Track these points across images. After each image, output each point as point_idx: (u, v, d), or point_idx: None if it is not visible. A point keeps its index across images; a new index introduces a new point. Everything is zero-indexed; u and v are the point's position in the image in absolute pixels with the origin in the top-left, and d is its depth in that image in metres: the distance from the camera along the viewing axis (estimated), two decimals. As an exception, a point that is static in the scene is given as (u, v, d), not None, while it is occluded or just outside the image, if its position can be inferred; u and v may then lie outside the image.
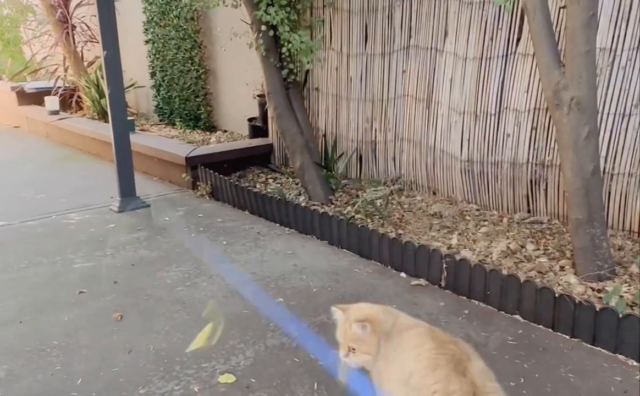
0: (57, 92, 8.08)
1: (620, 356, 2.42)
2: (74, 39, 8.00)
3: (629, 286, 2.80)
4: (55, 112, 7.79)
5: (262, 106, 5.58)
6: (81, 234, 4.02)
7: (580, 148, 2.82)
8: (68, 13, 7.90)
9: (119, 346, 2.56)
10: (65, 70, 8.31)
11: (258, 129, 5.82)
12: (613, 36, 3.26)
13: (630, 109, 3.28)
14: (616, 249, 3.22)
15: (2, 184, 5.45)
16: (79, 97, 8.15)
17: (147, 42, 7.10)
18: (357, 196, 4.37)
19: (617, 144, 3.36)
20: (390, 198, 4.34)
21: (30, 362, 2.44)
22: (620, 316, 2.42)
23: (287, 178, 5.08)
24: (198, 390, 2.23)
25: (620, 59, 3.26)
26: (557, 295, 2.63)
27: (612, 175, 3.40)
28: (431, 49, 4.21)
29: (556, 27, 3.35)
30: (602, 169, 3.33)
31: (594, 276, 2.87)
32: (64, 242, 3.87)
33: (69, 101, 8.18)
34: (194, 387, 2.25)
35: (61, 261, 3.55)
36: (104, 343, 2.60)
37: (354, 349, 1.82)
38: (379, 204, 4.09)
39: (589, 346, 2.51)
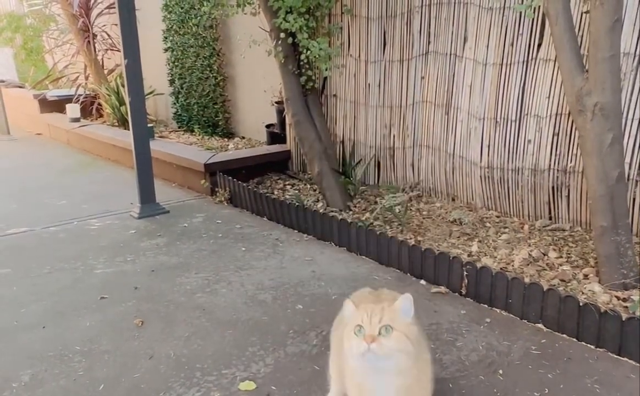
0: (78, 100, 8.20)
1: (648, 367, 2.37)
2: (94, 48, 8.12)
3: (656, 295, 2.74)
4: (76, 120, 7.91)
5: (280, 112, 5.60)
6: (102, 240, 4.06)
7: (605, 154, 2.77)
8: (89, 22, 8.03)
9: (140, 352, 2.58)
10: (86, 78, 8.44)
11: (276, 135, 5.84)
12: (638, 40, 3.21)
13: (656, 114, 3.22)
14: (641, 257, 3.16)
15: (24, 190, 5.54)
16: (99, 104, 8.26)
17: (166, 50, 7.18)
18: (376, 203, 4.35)
19: (642, 150, 3.29)
20: (409, 204, 4.31)
21: (54, 367, 2.47)
22: (648, 326, 2.37)
23: (305, 185, 5.08)
24: (219, 397, 2.23)
25: (645, 63, 3.21)
26: (581, 304, 2.58)
27: (637, 181, 3.33)
28: (450, 54, 4.19)
29: (578, 31, 3.30)
30: (626, 176, 3.28)
31: (619, 284, 2.81)
32: (85, 248, 3.91)
33: (89, 108, 8.30)
34: (214, 394, 2.25)
35: (82, 266, 3.59)
36: (125, 349, 2.61)
37: (389, 328, 1.45)
38: (397, 210, 4.06)
39: (615, 356, 2.46)
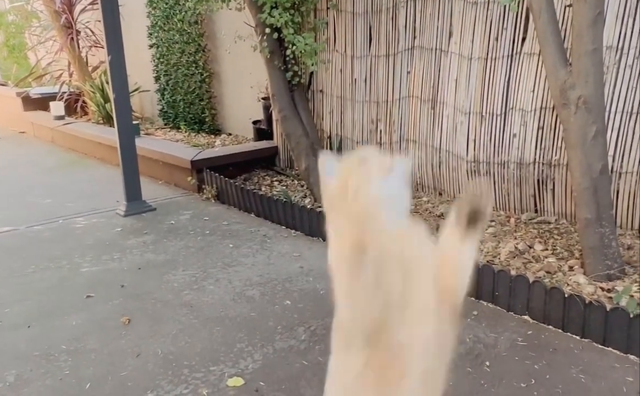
0: (62, 98, 8.10)
1: (632, 357, 2.40)
2: (78, 44, 8.02)
3: (639, 285, 2.78)
4: (61, 117, 7.82)
5: (267, 108, 5.58)
6: (88, 239, 4.02)
7: (588, 147, 2.80)
8: (72, 18, 7.92)
9: (127, 351, 2.56)
10: (70, 75, 8.33)
11: (263, 131, 5.82)
12: (620, 34, 3.24)
13: (638, 107, 3.26)
14: (625, 248, 3.19)
15: (8, 189, 5.47)
16: (84, 102, 8.17)
17: (151, 46, 7.12)
18: (363, 198, 4.35)
19: (625, 142, 3.33)
20: (396, 199, 4.32)
21: (39, 367, 2.44)
22: (631, 316, 2.40)
23: (293, 180, 5.08)
24: (207, 394, 2.22)
25: (627, 57, 3.24)
26: (566, 295, 2.61)
27: (620, 174, 3.38)
28: (436, 49, 4.20)
29: (562, 25, 3.33)
30: (610, 168, 3.31)
31: (604, 275, 2.85)
32: (70, 246, 3.87)
33: (74, 105, 8.20)
34: (202, 391, 2.24)
35: (68, 265, 3.55)
36: (112, 347, 2.59)
37: None
38: (385, 205, 4.07)
39: (600, 346, 2.49)
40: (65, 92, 8.20)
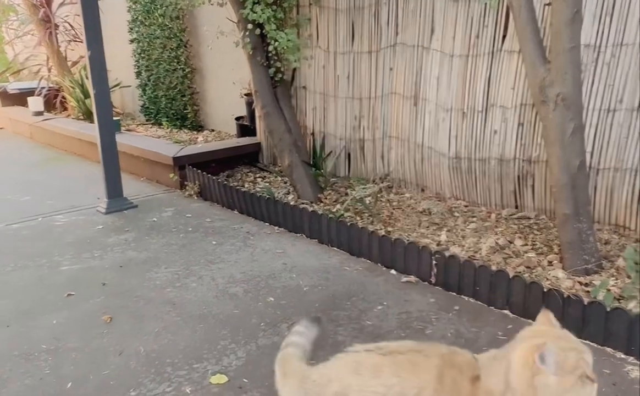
0: (41, 93, 7.97)
1: (609, 349, 2.45)
2: (57, 39, 7.90)
3: (616, 279, 2.84)
4: (40, 113, 7.70)
5: (250, 104, 5.56)
6: (68, 237, 3.97)
7: (567, 144, 2.85)
8: (51, 12, 7.80)
9: (109, 349, 2.54)
10: (49, 70, 8.21)
11: (246, 128, 5.80)
12: (597, 32, 3.30)
13: (615, 104, 3.32)
14: (603, 243, 3.26)
15: (-15, 186, 5.38)
16: (63, 97, 8.05)
17: (132, 41, 7.03)
18: (346, 194, 4.37)
19: (603, 139, 3.39)
20: (379, 195, 4.35)
21: (19, 366, 2.41)
22: (608, 309, 2.45)
23: (276, 177, 5.07)
24: (190, 391, 2.22)
25: (605, 55, 3.30)
26: (545, 290, 2.65)
27: (598, 170, 3.44)
28: (418, 46, 4.23)
29: (541, 23, 3.37)
30: (588, 165, 3.37)
31: (582, 270, 2.90)
32: (50, 244, 3.82)
33: (53, 101, 8.08)
34: (185, 388, 2.24)
35: (48, 264, 3.51)
36: (93, 346, 2.57)
37: None
38: (367, 202, 4.09)
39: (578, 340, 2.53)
40: (44, 88, 8.07)
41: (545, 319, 1.44)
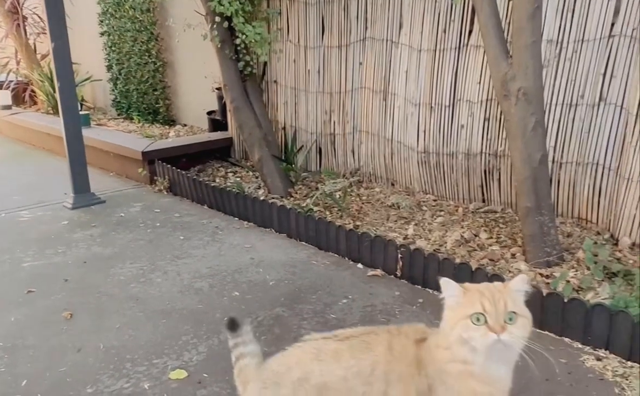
0: (9, 87, 7.80)
1: (566, 339, 2.50)
2: (25, 31, 7.73)
3: (576, 271, 2.89)
4: (8, 107, 7.54)
5: (221, 99, 5.50)
6: (32, 232, 3.90)
7: (528, 138, 2.88)
8: (18, 4, 7.62)
9: (67, 346, 2.50)
10: (17, 63, 8.03)
11: (218, 122, 5.75)
12: (559, 28, 3.34)
13: (577, 99, 3.37)
14: (565, 235, 3.32)
15: (-52, 182, 5.24)
16: (32, 91, 7.89)
17: (102, 34, 6.92)
18: (317, 189, 4.36)
19: (565, 134, 3.45)
20: (349, 189, 4.35)
21: (-27, 365, 2.36)
22: (565, 300, 2.49)
23: (247, 172, 5.04)
24: (148, 387, 2.19)
25: (567, 50, 3.35)
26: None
27: (560, 164, 3.49)
28: (387, 40, 4.24)
29: (504, 19, 3.41)
30: (550, 159, 3.43)
31: (543, 262, 2.95)
32: (13, 240, 3.75)
33: (22, 95, 7.91)
34: (144, 384, 2.21)
35: (9, 260, 3.44)
36: (52, 343, 2.52)
37: (512, 315, 1.27)
38: (337, 196, 4.10)
39: (537, 330, 2.57)
40: (12, 81, 7.90)
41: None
